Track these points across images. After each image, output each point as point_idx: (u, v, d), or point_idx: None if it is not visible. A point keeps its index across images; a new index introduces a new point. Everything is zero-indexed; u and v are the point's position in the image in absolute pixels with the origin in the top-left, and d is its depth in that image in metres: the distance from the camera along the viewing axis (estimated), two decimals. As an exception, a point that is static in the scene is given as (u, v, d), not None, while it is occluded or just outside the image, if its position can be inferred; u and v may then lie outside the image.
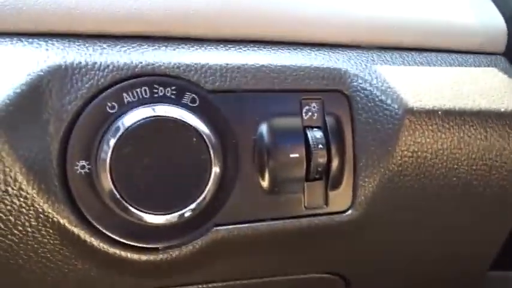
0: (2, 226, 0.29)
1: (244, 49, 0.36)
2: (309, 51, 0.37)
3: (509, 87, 0.41)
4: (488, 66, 0.43)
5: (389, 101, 0.36)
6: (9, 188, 0.28)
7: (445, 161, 0.38)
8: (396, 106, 0.36)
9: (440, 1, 0.45)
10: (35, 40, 0.32)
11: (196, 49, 0.35)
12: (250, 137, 0.34)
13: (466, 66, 0.42)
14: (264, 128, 0.34)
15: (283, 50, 0.37)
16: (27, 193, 0.29)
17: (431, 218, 0.41)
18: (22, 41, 0.31)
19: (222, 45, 0.36)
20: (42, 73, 0.30)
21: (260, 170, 0.34)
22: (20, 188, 0.29)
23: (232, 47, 0.36)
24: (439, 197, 0.39)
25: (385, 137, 0.36)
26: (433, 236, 0.43)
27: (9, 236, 0.30)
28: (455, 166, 0.38)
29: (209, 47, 0.35)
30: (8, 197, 0.29)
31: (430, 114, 0.37)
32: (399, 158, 0.36)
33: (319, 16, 0.38)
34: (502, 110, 0.40)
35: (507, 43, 0.44)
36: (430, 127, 0.37)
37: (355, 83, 0.36)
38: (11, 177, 0.28)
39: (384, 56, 0.40)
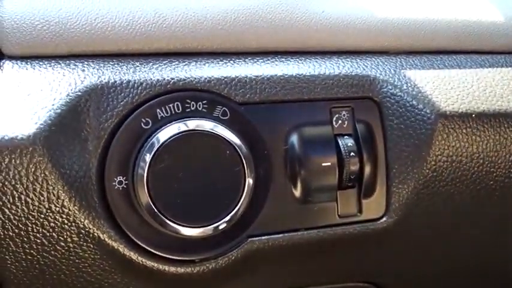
0: (46, 242, 0.30)
1: (272, 60, 0.36)
2: (336, 59, 0.37)
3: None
4: None
5: (421, 106, 0.36)
6: (53, 206, 0.29)
7: (481, 165, 0.37)
8: (428, 111, 0.36)
9: (466, 2, 0.44)
10: (72, 62, 0.33)
11: (225, 63, 0.35)
12: (281, 147, 0.34)
13: (497, 67, 0.41)
14: (295, 138, 0.34)
15: (311, 59, 0.37)
16: (69, 210, 0.30)
17: (468, 224, 0.40)
18: (60, 63, 0.33)
19: (250, 58, 0.36)
20: (80, 93, 0.31)
21: (292, 179, 0.34)
22: (63, 205, 0.30)
23: (260, 59, 0.36)
24: (476, 202, 0.38)
25: (418, 143, 0.35)
26: (470, 243, 0.41)
27: (53, 252, 0.31)
28: (492, 169, 0.37)
29: (237, 60, 0.36)
30: (51, 214, 0.30)
31: (463, 117, 0.36)
32: (433, 163, 0.36)
33: (345, 24, 0.38)
34: (538, 109, 0.39)
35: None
36: (464, 130, 0.36)
37: (384, 89, 0.36)
38: (54, 194, 0.29)
39: (413, 61, 0.39)
